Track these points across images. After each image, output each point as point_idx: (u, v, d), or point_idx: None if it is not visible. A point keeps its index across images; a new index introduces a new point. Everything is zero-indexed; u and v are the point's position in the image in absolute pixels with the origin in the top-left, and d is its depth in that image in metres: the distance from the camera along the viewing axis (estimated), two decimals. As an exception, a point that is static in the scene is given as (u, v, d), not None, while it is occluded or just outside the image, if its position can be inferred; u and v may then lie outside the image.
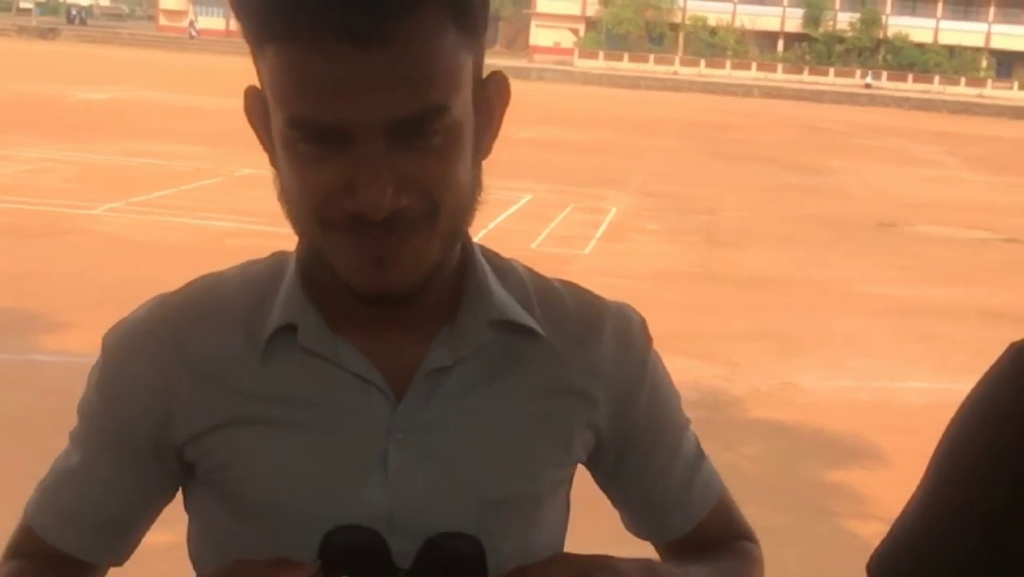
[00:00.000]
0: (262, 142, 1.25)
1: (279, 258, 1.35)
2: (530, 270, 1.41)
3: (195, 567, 1.37)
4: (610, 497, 1.48)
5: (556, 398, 1.34)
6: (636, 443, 1.41)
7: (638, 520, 1.49)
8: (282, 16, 1.11)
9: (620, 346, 1.38)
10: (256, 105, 1.23)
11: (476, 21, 1.18)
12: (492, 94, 1.26)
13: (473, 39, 1.18)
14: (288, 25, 1.11)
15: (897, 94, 67.86)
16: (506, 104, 1.28)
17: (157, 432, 1.30)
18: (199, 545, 1.38)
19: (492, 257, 1.37)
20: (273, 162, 1.22)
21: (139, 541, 1.40)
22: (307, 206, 1.18)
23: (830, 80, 78.93)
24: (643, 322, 1.43)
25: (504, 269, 1.37)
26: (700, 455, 1.49)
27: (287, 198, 1.21)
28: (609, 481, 1.45)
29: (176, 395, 1.28)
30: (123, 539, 1.38)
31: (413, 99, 1.12)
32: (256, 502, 1.27)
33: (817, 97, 63.57)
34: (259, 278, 1.33)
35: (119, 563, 1.39)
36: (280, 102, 1.15)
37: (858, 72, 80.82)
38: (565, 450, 1.35)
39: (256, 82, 1.21)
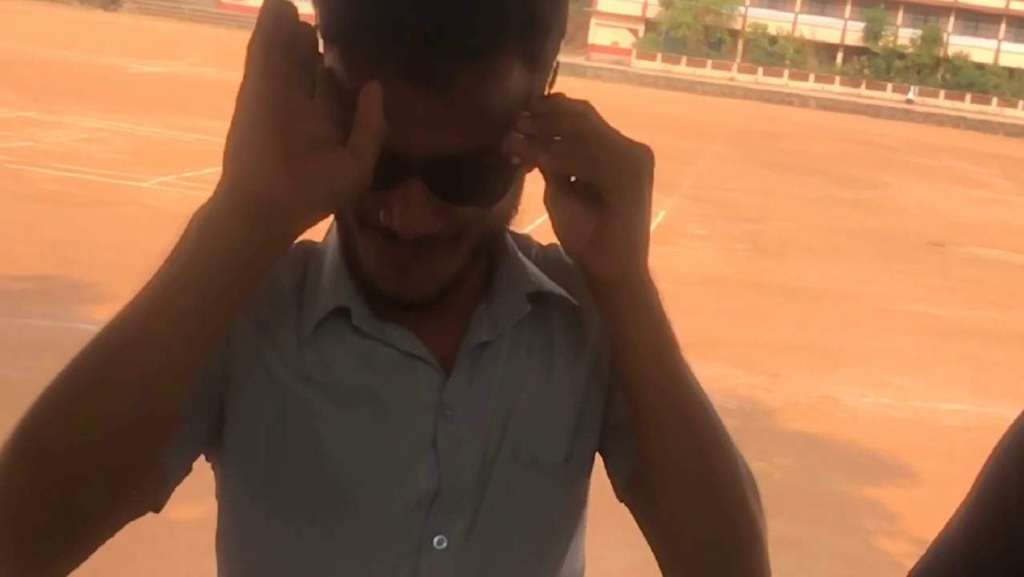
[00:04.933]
0: None
1: (304, 246, 1.33)
2: (538, 241, 1.41)
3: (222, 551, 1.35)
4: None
5: (586, 363, 1.34)
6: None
7: (613, 457, 1.36)
8: (349, 34, 1.09)
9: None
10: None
11: (544, 56, 1.16)
12: None
13: (538, 73, 1.16)
14: (353, 45, 1.09)
15: (953, 113, 67.34)
16: None
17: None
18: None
19: (513, 233, 1.37)
20: None
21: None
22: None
23: (887, 95, 78.33)
24: None
25: (525, 243, 1.38)
26: None
27: None
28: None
29: (227, 380, 1.26)
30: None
31: (463, 141, 1.11)
32: (312, 481, 1.25)
33: (874, 112, 63.17)
34: (294, 261, 1.31)
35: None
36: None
37: (915, 89, 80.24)
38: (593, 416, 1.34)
39: None
